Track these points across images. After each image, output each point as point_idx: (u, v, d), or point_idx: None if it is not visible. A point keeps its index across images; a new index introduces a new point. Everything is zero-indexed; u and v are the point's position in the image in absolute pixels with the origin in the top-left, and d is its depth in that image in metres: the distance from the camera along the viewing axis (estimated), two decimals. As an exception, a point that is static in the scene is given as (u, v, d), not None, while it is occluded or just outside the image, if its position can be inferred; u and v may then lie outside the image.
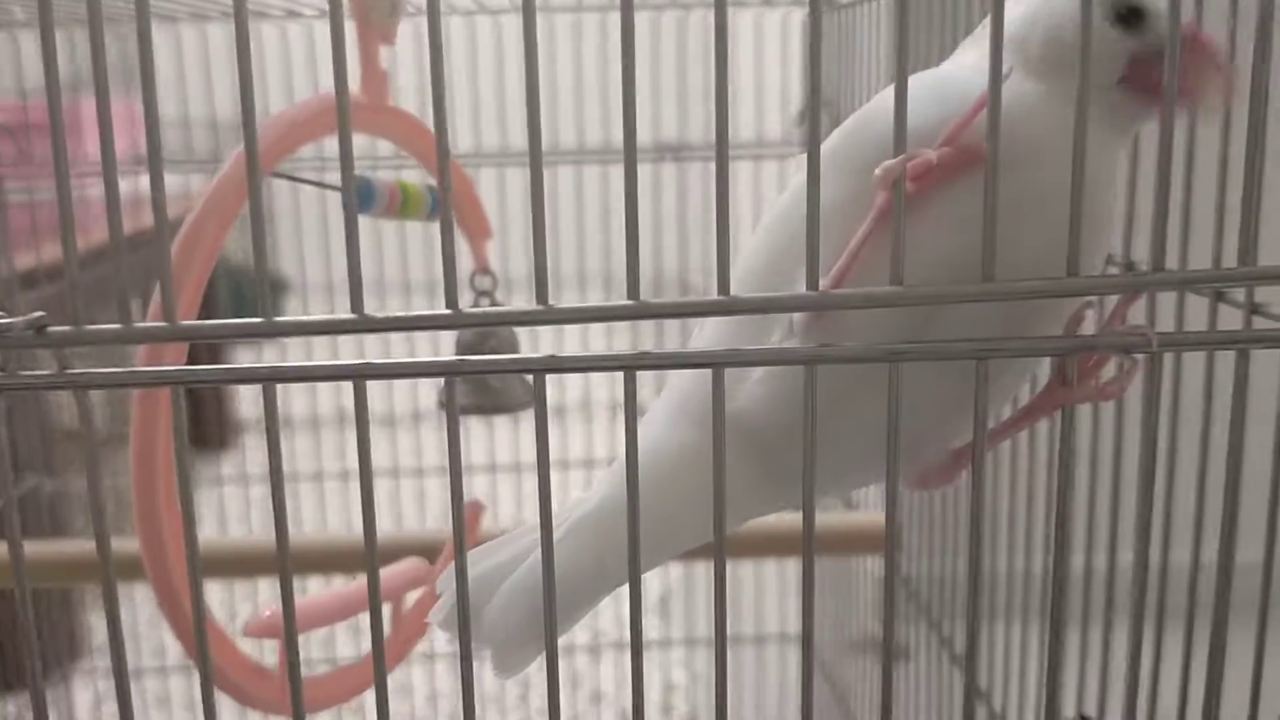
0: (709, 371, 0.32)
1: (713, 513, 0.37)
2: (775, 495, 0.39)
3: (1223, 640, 0.38)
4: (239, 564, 0.92)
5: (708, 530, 0.34)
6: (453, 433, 0.32)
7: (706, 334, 0.40)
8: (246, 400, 2.09)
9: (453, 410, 0.33)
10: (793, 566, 1.19)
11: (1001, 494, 0.70)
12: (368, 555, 0.33)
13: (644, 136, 1.10)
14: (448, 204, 0.31)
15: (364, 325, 0.31)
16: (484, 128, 1.04)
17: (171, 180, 1.13)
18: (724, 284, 0.32)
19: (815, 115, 0.32)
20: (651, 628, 1.49)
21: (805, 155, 0.39)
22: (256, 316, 0.31)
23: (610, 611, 1.42)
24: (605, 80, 0.99)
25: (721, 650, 0.35)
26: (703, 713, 1.29)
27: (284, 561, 0.33)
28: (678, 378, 0.40)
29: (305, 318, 0.32)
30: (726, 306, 0.32)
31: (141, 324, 0.31)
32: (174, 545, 0.44)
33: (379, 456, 1.32)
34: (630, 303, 0.32)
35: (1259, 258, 0.43)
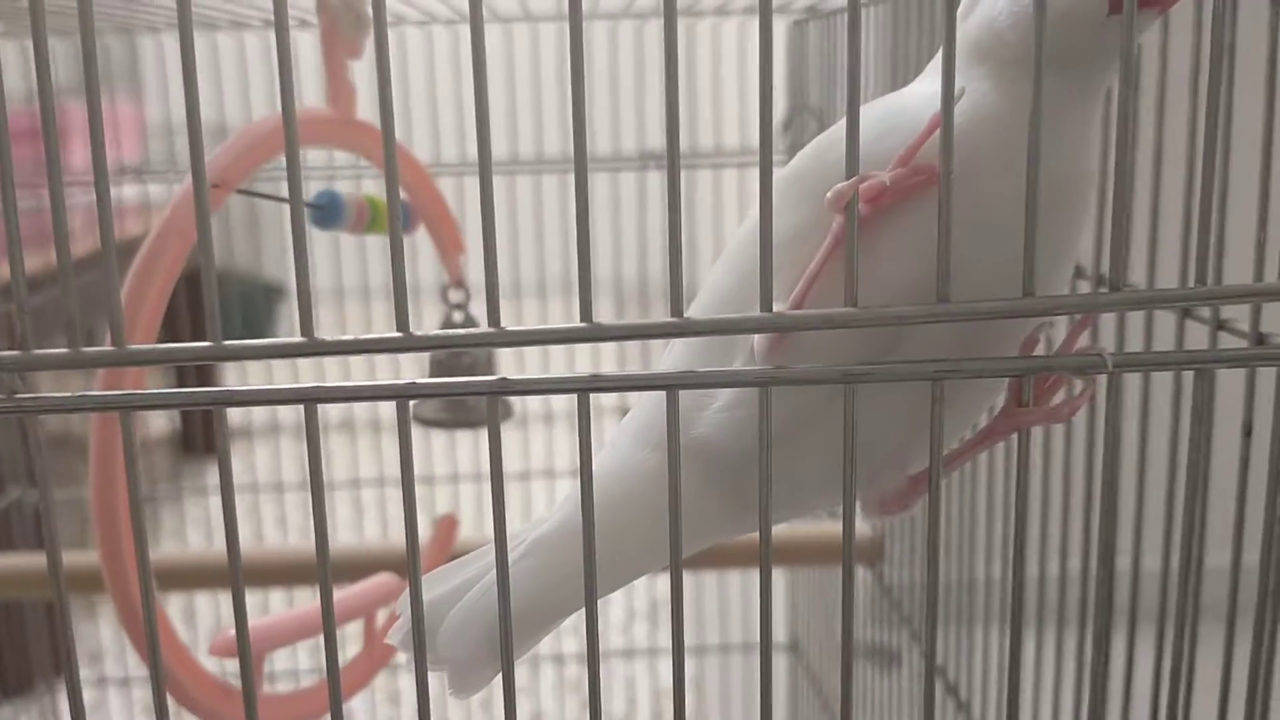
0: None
1: (696, 530, 0.38)
2: (738, 520, 0.39)
3: (1188, 641, 0.38)
4: (225, 576, 0.92)
5: (667, 554, 0.33)
6: (405, 455, 0.32)
7: (671, 358, 0.40)
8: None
9: (405, 433, 0.32)
10: (780, 576, 1.19)
11: (979, 500, 0.70)
12: (320, 574, 0.33)
13: (629, 144, 1.10)
14: (396, 228, 0.31)
15: (313, 349, 0.31)
16: (443, 138, 1.05)
17: (156, 191, 1.13)
18: (678, 306, 0.32)
19: (767, 136, 0.32)
20: (642, 635, 1.49)
21: (786, 167, 0.39)
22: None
23: (601, 619, 1.42)
24: (565, 89, 1.01)
25: (680, 675, 0.34)
26: (693, 718, 1.29)
27: (236, 582, 0.33)
28: (643, 402, 0.40)
29: (255, 341, 0.31)
30: (680, 328, 0.32)
31: (90, 349, 0.31)
32: (135, 562, 0.43)
33: (369, 466, 1.32)
34: (584, 325, 0.32)
35: (1225, 272, 0.43)
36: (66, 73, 1.08)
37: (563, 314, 1.26)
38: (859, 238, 0.32)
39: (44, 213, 0.32)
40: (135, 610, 0.44)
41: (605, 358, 1.75)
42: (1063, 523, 0.59)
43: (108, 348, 0.31)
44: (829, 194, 0.32)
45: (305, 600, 1.29)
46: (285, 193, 0.56)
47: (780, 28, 1.05)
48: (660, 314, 0.33)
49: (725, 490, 0.38)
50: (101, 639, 1.34)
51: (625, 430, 0.40)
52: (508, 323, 0.32)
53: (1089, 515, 0.54)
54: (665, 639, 1.43)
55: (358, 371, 1.68)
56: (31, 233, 1.20)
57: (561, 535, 0.39)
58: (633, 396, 0.40)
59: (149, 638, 0.33)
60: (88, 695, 1.29)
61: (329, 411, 1.29)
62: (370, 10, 0.51)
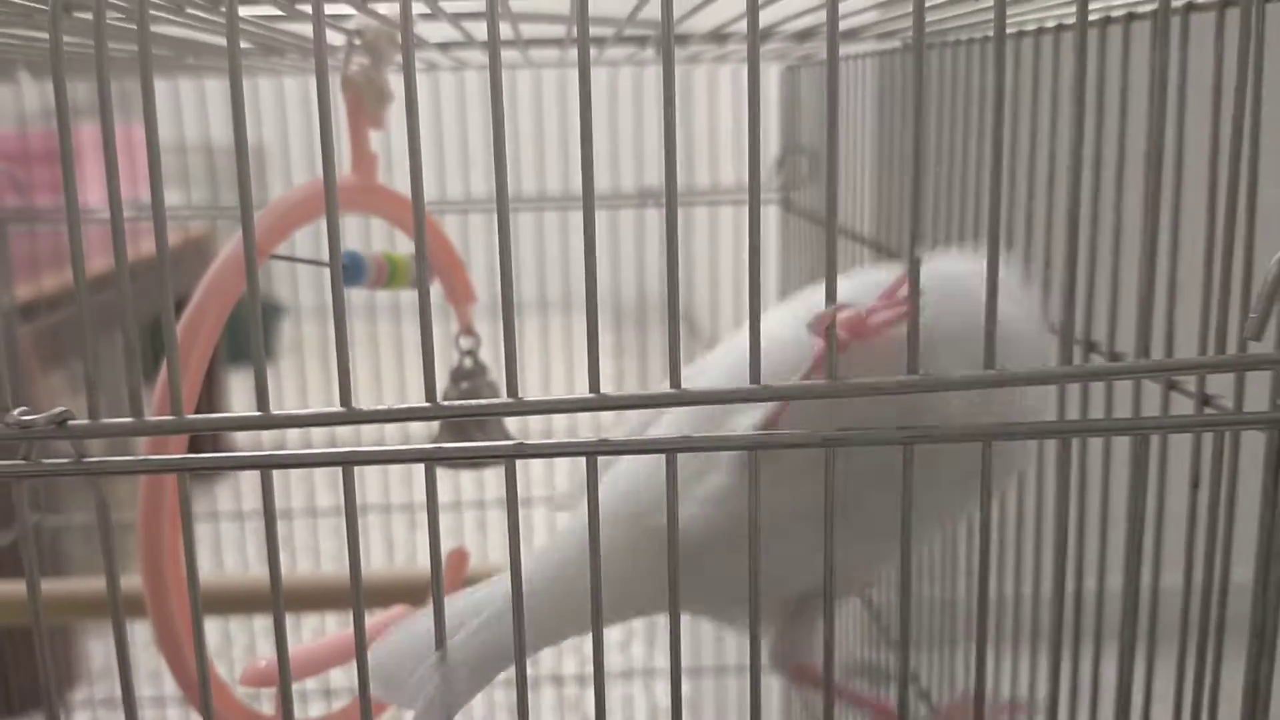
0: (658, 475, 0.37)
1: (630, 603, 0.45)
2: (690, 601, 0.43)
3: (1146, 660, 0.42)
4: (237, 601, 0.95)
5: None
6: (432, 518, 0.36)
7: (663, 427, 0.44)
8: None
9: (432, 494, 0.36)
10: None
11: (960, 525, 0.74)
12: (356, 629, 0.37)
13: (628, 182, 1.14)
14: (426, 310, 0.35)
15: (351, 418, 0.35)
16: (448, 176, 1.10)
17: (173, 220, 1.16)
18: (676, 378, 0.36)
19: (756, 214, 0.36)
20: (639, 655, 1.52)
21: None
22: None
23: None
24: (566, 129, 1.06)
25: (678, 698, 0.38)
26: (688, 739, 1.32)
27: (279, 620, 0.37)
28: (627, 474, 0.45)
29: (298, 411, 0.35)
30: (678, 398, 0.36)
31: (152, 418, 0.35)
32: (180, 602, 0.47)
33: (375, 491, 1.35)
34: (592, 395, 0.36)
35: (1180, 330, 0.47)
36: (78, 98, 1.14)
37: (562, 332, 1.29)
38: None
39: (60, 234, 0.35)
40: (178, 645, 0.47)
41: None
42: (1035, 548, 0.63)
43: (168, 417, 0.35)
44: (809, 320, 0.37)
45: (311, 626, 1.32)
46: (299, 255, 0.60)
47: (774, 73, 1.10)
48: (657, 329, 0.37)
49: (687, 574, 0.42)
50: (111, 657, 1.38)
51: (605, 499, 0.44)
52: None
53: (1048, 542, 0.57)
54: (661, 659, 1.47)
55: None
56: (54, 252, 1.24)
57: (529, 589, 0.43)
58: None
59: (201, 688, 0.37)
60: (100, 714, 1.32)
61: (338, 434, 1.32)
62: (391, 85, 0.56)
